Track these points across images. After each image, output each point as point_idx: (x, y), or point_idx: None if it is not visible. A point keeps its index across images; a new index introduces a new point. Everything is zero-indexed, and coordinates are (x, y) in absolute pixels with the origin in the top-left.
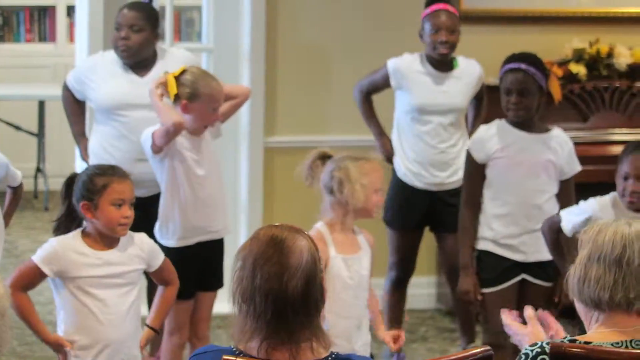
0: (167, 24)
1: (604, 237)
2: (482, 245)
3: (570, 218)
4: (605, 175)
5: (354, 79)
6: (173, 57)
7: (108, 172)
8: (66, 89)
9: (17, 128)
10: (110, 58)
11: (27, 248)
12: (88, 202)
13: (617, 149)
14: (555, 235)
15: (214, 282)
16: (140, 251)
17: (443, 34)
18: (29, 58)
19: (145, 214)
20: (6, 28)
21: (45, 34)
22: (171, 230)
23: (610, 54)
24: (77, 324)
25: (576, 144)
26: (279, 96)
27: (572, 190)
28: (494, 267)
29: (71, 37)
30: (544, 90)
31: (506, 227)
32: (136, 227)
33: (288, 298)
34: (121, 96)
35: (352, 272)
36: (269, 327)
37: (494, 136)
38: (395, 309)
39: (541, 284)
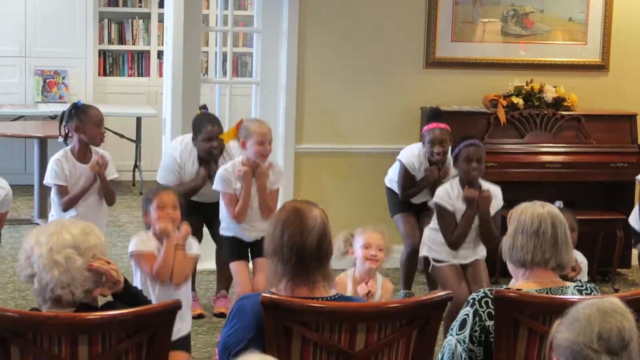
0: (228, 65)
1: (525, 216)
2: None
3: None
4: (534, 175)
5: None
6: (232, 150)
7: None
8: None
9: (122, 136)
10: (190, 156)
11: (126, 220)
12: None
13: (544, 158)
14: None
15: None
16: None
17: (437, 147)
18: (130, 87)
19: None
20: (115, 66)
21: (142, 71)
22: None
23: (540, 90)
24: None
25: (515, 153)
26: (305, 116)
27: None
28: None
29: (160, 73)
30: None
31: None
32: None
33: (306, 248)
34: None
35: None
36: (293, 271)
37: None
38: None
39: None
